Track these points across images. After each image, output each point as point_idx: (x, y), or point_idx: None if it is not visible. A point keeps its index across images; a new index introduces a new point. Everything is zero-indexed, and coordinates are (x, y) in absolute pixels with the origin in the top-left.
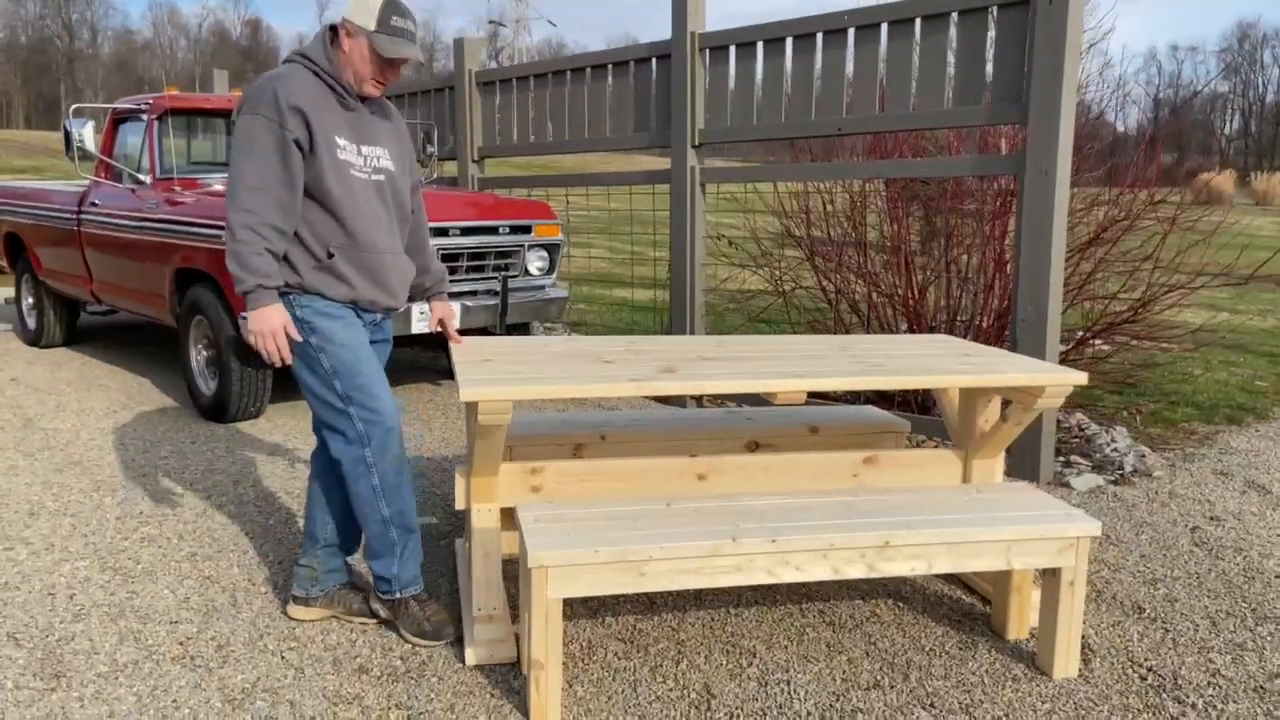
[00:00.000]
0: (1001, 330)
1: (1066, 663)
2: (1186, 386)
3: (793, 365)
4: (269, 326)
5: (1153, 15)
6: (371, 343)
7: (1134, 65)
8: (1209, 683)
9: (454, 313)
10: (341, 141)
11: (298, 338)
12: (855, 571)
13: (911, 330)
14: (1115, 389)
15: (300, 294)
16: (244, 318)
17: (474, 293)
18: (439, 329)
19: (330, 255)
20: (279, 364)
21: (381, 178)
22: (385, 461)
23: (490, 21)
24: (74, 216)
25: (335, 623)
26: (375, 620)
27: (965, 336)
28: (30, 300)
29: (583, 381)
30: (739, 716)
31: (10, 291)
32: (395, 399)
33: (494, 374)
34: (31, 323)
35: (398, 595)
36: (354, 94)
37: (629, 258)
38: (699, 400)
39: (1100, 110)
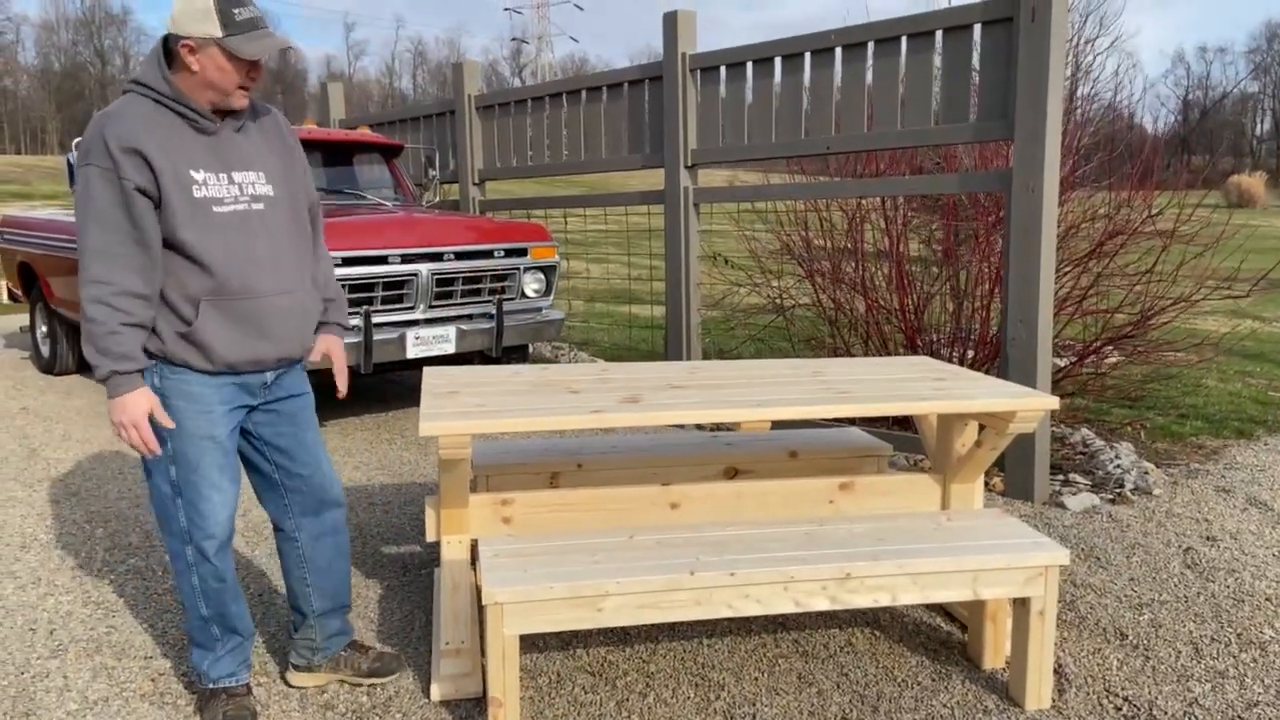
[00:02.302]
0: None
1: (1038, 693)
2: (1199, 399)
3: (760, 393)
4: (128, 417)
5: (1180, 17)
6: (268, 408)
7: (1162, 67)
8: (1185, 712)
9: (342, 349)
10: (200, 176)
11: (169, 424)
12: (819, 604)
13: (912, 347)
14: (1124, 403)
15: (164, 363)
16: None
17: (470, 316)
18: (324, 363)
19: (197, 314)
20: (147, 456)
21: (261, 206)
22: (204, 566)
23: (513, 39)
24: None
25: None
26: (381, 680)
27: (966, 352)
28: (44, 329)
29: (542, 414)
30: None
31: (25, 320)
32: (229, 512)
33: (455, 407)
34: (45, 351)
35: (209, 688)
36: (208, 115)
37: (644, 273)
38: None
39: (1113, 114)
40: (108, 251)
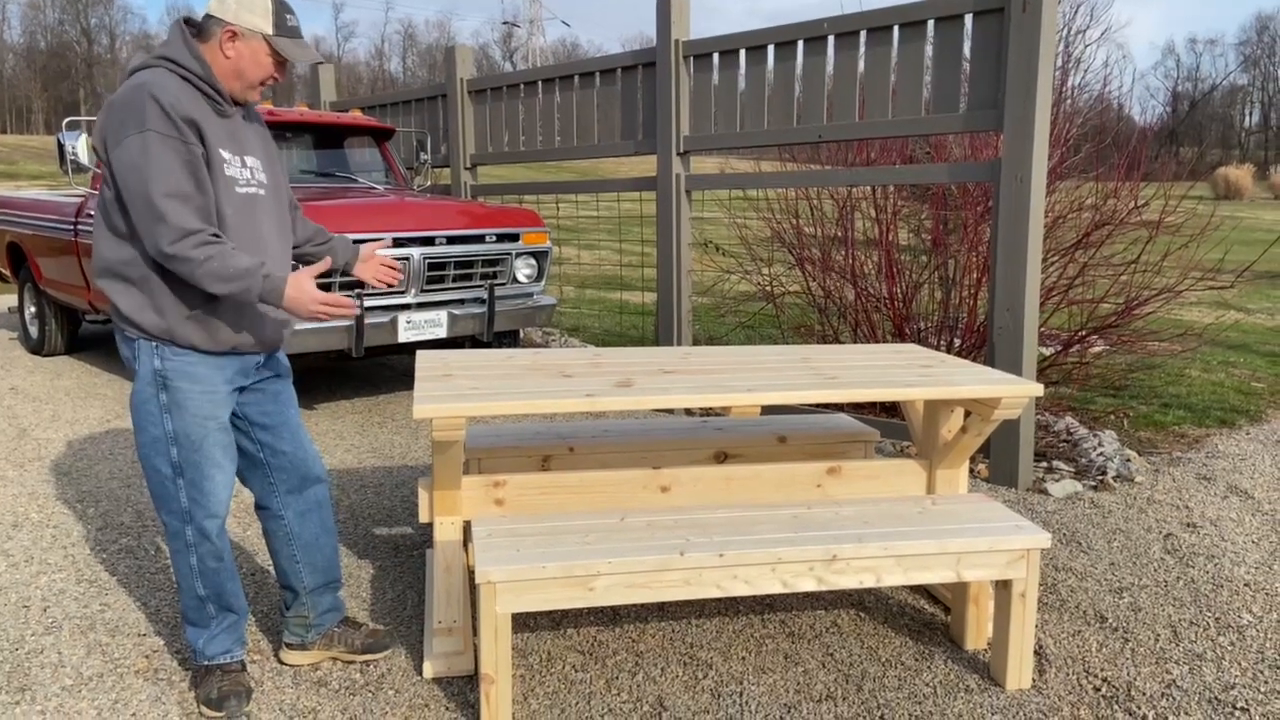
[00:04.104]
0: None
1: (1019, 674)
2: (1182, 388)
3: (751, 378)
4: (310, 303)
5: (1171, 9)
6: (254, 387)
7: (1152, 58)
8: (1163, 693)
9: (376, 253)
10: (226, 155)
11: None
12: (805, 585)
13: (900, 335)
14: (1109, 392)
15: (167, 344)
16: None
17: (461, 301)
18: (380, 280)
19: (211, 295)
20: (358, 312)
21: (262, 191)
22: (204, 546)
23: (504, 22)
24: (71, 227)
25: None
26: (376, 657)
27: (953, 340)
28: (32, 309)
29: (536, 397)
30: None
31: (14, 300)
32: (230, 491)
33: (449, 390)
34: (34, 331)
35: (204, 664)
36: (228, 99)
37: (635, 260)
38: (689, 409)
39: (1102, 105)
40: (183, 208)
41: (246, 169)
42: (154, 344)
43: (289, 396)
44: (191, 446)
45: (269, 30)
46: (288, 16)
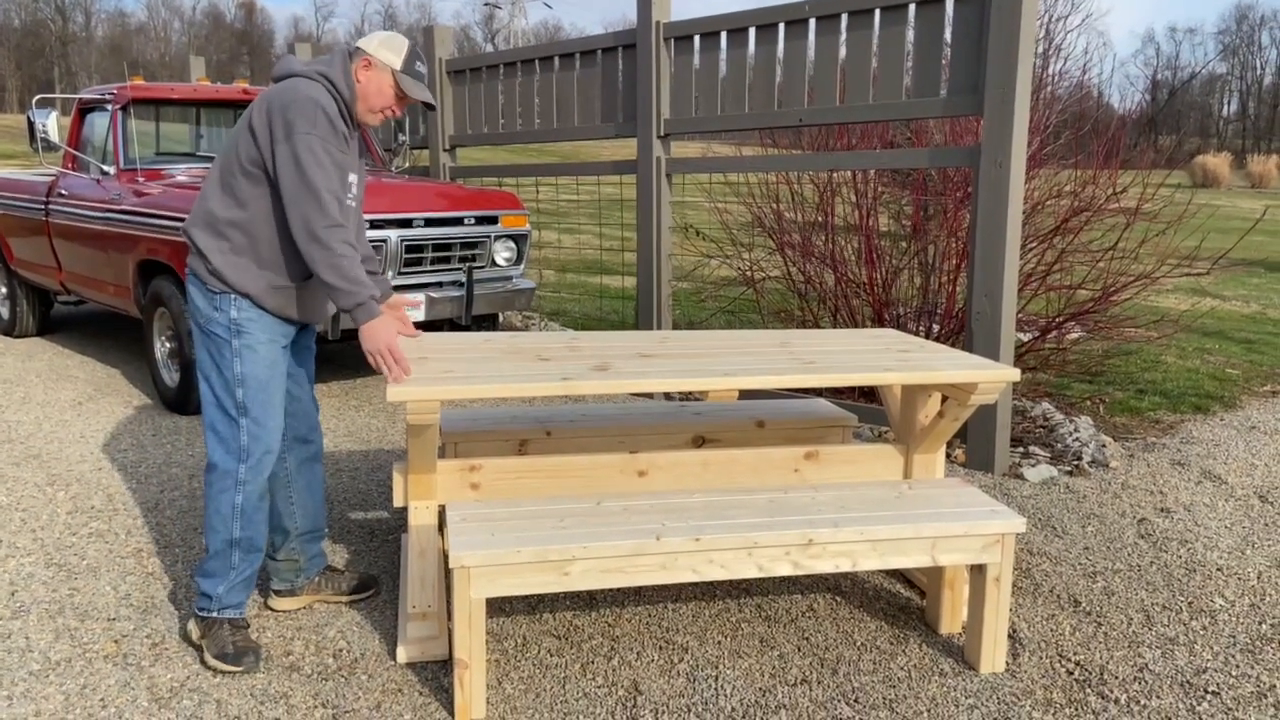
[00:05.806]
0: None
1: (993, 657)
2: (1157, 375)
3: (728, 363)
4: (383, 342)
5: None
6: (296, 348)
7: (1132, 47)
8: (1135, 677)
9: None
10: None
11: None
12: (782, 569)
13: (879, 320)
14: (1085, 378)
15: (245, 299)
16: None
17: (440, 284)
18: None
19: (299, 282)
20: (404, 379)
21: (355, 205)
22: (254, 483)
23: (486, 4)
24: (42, 206)
25: (272, 620)
26: (363, 596)
27: (932, 325)
28: (3, 290)
29: (511, 380)
30: (664, 713)
31: None
32: (281, 430)
33: (424, 373)
34: (5, 312)
35: (214, 615)
36: (354, 122)
37: (615, 244)
38: (668, 393)
39: (1082, 93)
40: (335, 204)
41: (351, 185)
42: (233, 297)
43: (311, 351)
44: (259, 386)
45: (398, 65)
46: (417, 64)
